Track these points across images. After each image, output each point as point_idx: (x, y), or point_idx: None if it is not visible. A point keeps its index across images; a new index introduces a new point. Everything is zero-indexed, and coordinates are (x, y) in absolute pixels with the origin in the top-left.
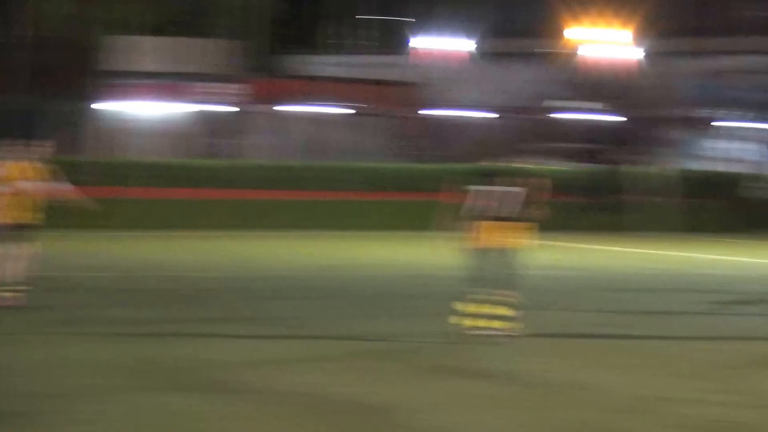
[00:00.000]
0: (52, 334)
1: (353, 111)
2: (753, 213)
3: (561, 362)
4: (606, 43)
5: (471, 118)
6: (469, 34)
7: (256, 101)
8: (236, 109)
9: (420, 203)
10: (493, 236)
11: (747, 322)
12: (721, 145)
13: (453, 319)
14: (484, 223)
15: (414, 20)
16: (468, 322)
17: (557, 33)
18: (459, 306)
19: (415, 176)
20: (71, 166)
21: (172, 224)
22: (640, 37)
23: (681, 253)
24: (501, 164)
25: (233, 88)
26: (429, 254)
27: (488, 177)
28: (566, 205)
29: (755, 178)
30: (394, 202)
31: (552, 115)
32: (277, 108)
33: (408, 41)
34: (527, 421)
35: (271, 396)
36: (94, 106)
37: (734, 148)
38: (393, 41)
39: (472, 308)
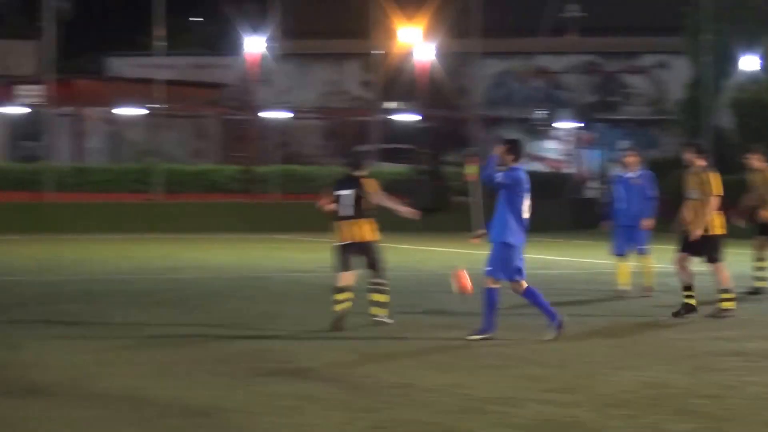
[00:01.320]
0: None
1: (150, 112)
2: (582, 212)
3: (391, 363)
4: (424, 43)
5: (286, 119)
6: (285, 36)
7: (57, 103)
8: (37, 110)
9: (225, 205)
10: (349, 233)
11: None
12: (549, 146)
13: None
14: (342, 223)
15: (231, 21)
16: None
17: (376, 33)
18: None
19: (217, 178)
20: None
21: None
22: (455, 37)
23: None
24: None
25: (35, 89)
26: (261, 256)
27: (342, 181)
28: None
29: (584, 178)
30: (195, 204)
31: (379, 116)
32: (78, 109)
33: (241, 43)
34: (355, 422)
35: (95, 399)
36: None
37: (561, 148)
38: (224, 43)
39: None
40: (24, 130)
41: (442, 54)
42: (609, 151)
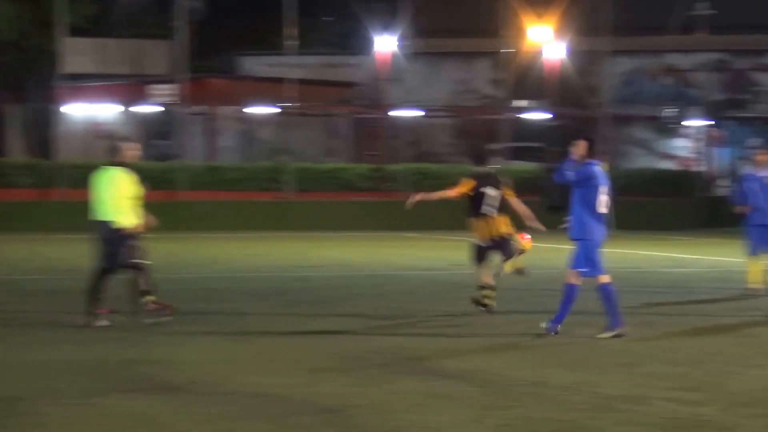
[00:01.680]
0: (14, 335)
1: (281, 111)
2: (713, 211)
3: (521, 360)
4: (554, 41)
5: (417, 117)
6: (416, 34)
7: (191, 102)
8: (170, 109)
9: (356, 203)
10: (491, 229)
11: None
12: (679, 144)
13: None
14: (484, 220)
15: (362, 20)
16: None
17: (506, 32)
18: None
19: (348, 176)
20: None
21: None
22: (585, 35)
23: (650, 252)
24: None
25: (169, 88)
26: (391, 254)
27: (487, 178)
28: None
29: (714, 176)
30: (326, 202)
31: (508, 115)
32: (210, 108)
33: (371, 42)
34: (485, 419)
35: (227, 397)
36: (57, 108)
37: (690, 147)
38: (354, 42)
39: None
40: (157, 129)
41: (571, 52)
42: (739, 149)
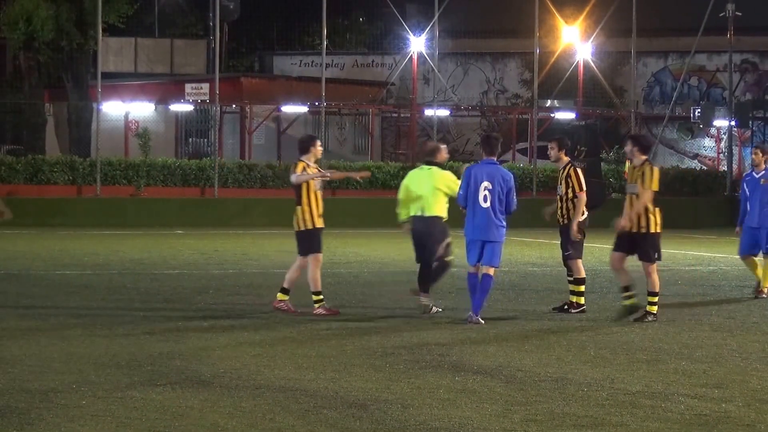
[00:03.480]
0: (49, 329)
1: (313, 109)
2: (737, 210)
3: (545, 356)
4: (582, 42)
5: (447, 117)
6: (446, 35)
7: (225, 101)
8: (204, 108)
9: (386, 201)
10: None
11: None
12: (705, 144)
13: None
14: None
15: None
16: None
17: (536, 32)
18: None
19: (378, 174)
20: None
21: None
22: (613, 36)
23: (674, 251)
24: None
25: (203, 87)
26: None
27: None
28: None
29: (738, 176)
30: (357, 200)
31: (537, 114)
32: (244, 107)
33: (402, 42)
34: (510, 414)
35: (256, 391)
36: (94, 106)
37: (716, 146)
38: (386, 42)
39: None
40: (192, 127)
41: (599, 52)
42: None
